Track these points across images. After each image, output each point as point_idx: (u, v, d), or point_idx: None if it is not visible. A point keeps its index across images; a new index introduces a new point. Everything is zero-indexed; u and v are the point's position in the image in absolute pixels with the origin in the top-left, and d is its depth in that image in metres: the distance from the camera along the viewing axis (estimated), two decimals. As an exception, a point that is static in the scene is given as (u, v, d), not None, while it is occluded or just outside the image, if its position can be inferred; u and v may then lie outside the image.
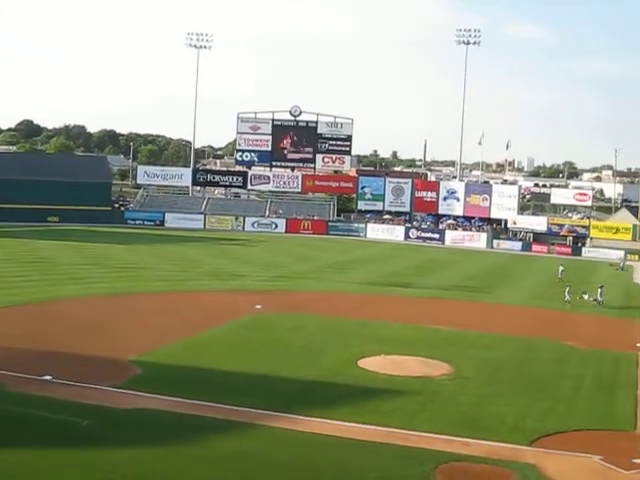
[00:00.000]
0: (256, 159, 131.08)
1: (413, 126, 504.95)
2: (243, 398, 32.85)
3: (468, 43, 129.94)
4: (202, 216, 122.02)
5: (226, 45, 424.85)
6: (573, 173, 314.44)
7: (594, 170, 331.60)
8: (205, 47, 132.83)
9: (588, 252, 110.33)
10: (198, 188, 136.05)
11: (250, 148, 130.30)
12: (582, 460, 28.43)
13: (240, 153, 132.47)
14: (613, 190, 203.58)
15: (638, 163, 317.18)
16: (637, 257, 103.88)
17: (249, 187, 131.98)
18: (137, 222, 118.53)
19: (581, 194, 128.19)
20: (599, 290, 65.01)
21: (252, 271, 75.18)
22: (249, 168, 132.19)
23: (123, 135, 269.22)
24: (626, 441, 30.80)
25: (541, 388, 37.79)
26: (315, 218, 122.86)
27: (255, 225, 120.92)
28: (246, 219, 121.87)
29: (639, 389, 38.44)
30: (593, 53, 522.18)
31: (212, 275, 71.25)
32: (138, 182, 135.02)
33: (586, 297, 66.69)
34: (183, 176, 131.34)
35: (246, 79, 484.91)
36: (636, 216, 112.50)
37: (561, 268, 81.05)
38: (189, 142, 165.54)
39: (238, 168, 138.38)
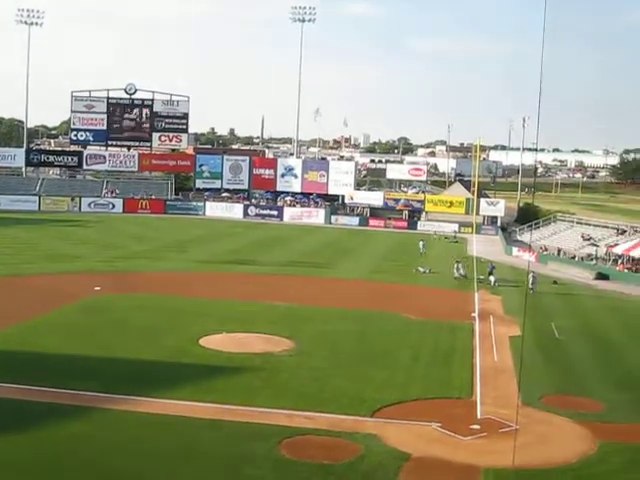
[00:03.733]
0: (91, 138, 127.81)
1: (250, 103, 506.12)
2: (82, 382, 32.21)
3: (303, 20, 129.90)
4: (37, 197, 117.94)
5: (59, 22, 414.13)
6: (408, 149, 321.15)
7: (428, 145, 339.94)
8: (36, 24, 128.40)
9: (423, 226, 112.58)
10: (32, 169, 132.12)
11: (85, 127, 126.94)
12: (422, 428, 29.11)
13: (75, 132, 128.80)
14: (447, 165, 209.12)
15: (470, 138, 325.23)
16: (470, 229, 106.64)
17: (85, 167, 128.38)
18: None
19: (416, 169, 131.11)
20: (456, 265, 66.46)
21: (90, 252, 73.68)
22: (84, 148, 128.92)
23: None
24: (463, 408, 31.73)
25: (381, 359, 38.54)
26: (153, 197, 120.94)
27: (92, 206, 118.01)
28: (82, 200, 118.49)
29: (475, 357, 39.62)
30: (427, 31, 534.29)
31: (48, 258, 69.33)
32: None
33: (422, 270, 68.33)
34: (16, 157, 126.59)
35: (80, 57, 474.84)
36: (469, 189, 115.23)
37: (422, 243, 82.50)
38: (21, 121, 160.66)
39: (73, 148, 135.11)
